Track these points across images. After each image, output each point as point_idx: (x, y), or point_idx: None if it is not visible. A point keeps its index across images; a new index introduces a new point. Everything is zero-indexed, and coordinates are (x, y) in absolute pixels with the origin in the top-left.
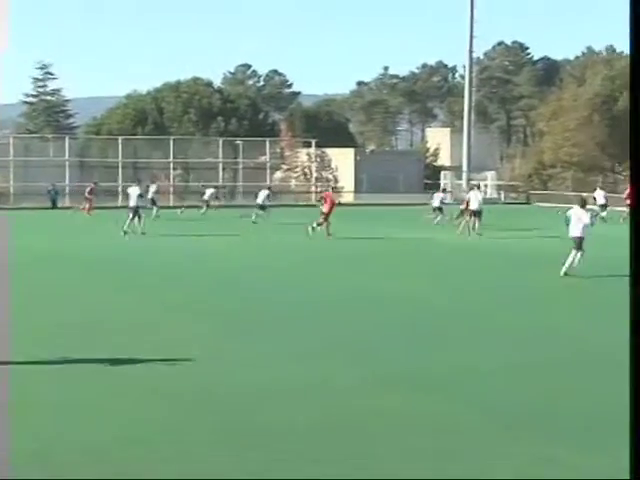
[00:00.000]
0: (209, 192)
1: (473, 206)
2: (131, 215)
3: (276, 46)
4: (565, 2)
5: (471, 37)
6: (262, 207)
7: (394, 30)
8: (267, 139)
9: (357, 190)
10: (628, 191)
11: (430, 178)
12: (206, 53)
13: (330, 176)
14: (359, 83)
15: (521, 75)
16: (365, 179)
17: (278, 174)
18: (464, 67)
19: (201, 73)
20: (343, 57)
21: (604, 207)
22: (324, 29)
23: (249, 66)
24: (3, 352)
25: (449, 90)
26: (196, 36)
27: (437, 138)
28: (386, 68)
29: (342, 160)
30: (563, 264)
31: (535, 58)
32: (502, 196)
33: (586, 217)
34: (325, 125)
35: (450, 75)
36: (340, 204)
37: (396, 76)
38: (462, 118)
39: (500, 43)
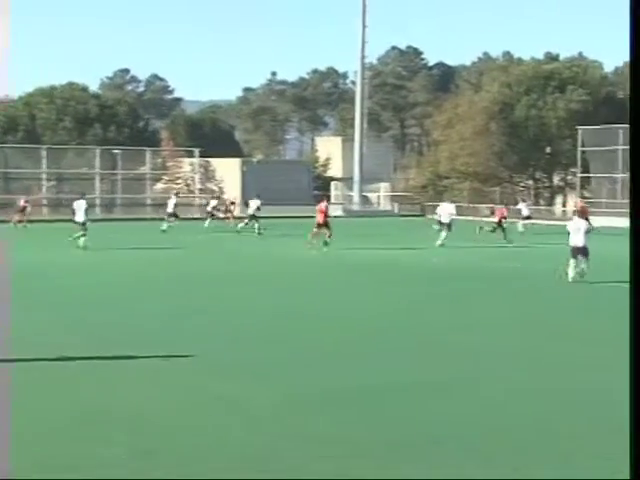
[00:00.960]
0: (213, 203)
1: (443, 219)
2: (81, 231)
3: (157, 50)
4: (460, 6)
5: (363, 42)
6: (254, 217)
7: (283, 34)
8: (147, 148)
9: (243, 202)
10: (500, 207)
11: (320, 189)
12: (82, 57)
13: (215, 187)
14: (245, 89)
15: (415, 81)
16: (252, 190)
17: (159, 185)
18: (356, 73)
19: (77, 78)
20: (229, 61)
21: (528, 219)
22: (208, 31)
23: (128, 71)
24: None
25: (340, 97)
26: (71, 39)
27: (328, 147)
28: (274, 73)
29: (227, 170)
30: (566, 274)
31: (430, 64)
32: (396, 208)
33: (584, 226)
34: (209, 133)
35: (341, 81)
36: (328, 216)
37: (285, 82)
38: (354, 126)
39: (394, 48)
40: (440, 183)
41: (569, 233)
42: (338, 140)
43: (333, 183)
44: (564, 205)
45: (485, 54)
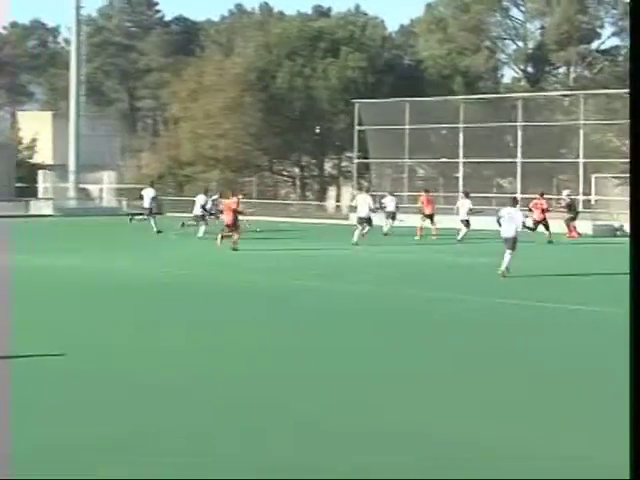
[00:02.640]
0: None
1: (362, 213)
2: None
3: None
4: None
5: None
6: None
7: None
8: None
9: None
10: (536, 200)
11: (25, 180)
12: None
13: None
14: None
15: (148, 41)
16: None
17: None
18: (70, 29)
19: None
20: None
21: (393, 216)
22: None
23: None
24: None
25: (50, 59)
26: None
27: (34, 125)
28: None
29: None
30: (500, 266)
31: (167, 18)
32: (124, 204)
33: (519, 216)
34: None
35: (51, 39)
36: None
37: None
38: (68, 98)
39: None
40: (182, 172)
41: (500, 224)
42: (47, 116)
43: (41, 172)
44: (338, 199)
45: (238, 7)
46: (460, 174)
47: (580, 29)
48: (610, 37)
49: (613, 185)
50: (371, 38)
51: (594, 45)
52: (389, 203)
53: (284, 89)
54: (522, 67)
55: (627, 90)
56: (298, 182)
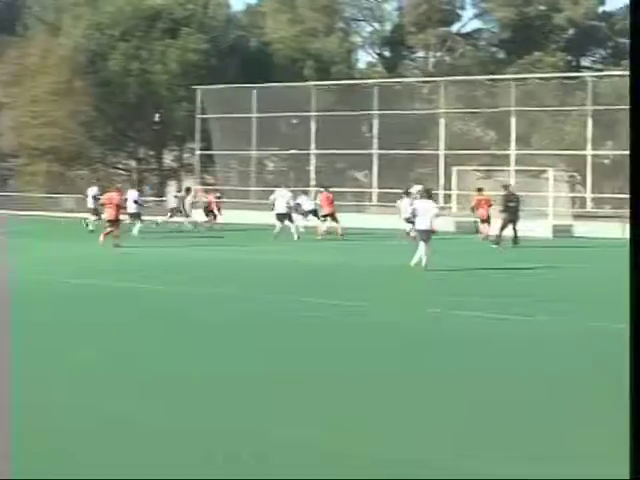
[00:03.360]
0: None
1: (280, 209)
2: None
3: None
4: None
5: None
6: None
7: None
8: None
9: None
10: (477, 197)
11: None
12: None
13: None
14: None
15: None
16: None
17: None
18: None
19: None
20: None
21: (314, 214)
22: None
23: None
24: None
25: None
26: None
27: None
28: None
29: None
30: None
31: None
32: None
33: (434, 209)
34: None
35: None
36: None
37: None
38: None
39: None
40: (4, 164)
41: (416, 215)
42: None
43: None
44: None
45: None
46: (312, 167)
47: (439, 10)
48: (472, 19)
49: (475, 178)
50: (214, 18)
51: (454, 28)
52: (305, 202)
53: (118, 73)
54: (378, 51)
55: (490, 77)
56: (135, 176)
